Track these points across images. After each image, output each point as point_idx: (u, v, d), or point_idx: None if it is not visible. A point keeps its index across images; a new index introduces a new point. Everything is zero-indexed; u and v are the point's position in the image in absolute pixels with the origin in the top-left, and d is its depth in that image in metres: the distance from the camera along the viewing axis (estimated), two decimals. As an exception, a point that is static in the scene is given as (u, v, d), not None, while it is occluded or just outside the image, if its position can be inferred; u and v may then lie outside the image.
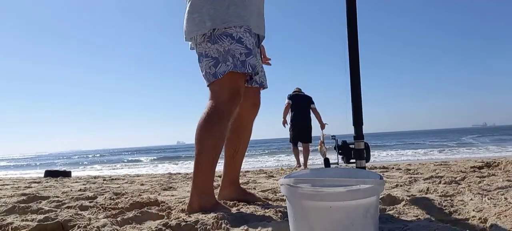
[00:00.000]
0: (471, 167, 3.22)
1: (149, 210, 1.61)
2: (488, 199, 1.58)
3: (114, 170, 14.68)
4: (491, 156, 9.35)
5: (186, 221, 1.33)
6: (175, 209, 1.72)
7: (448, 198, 1.72)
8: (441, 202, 1.58)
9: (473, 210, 1.41)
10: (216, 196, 1.98)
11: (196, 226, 1.30)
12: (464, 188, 2.01)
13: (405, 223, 1.28)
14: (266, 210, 1.54)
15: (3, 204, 1.82)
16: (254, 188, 2.54)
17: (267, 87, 1.96)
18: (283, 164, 10.39)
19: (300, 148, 6.58)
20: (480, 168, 3.21)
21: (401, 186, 2.29)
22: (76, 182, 4.05)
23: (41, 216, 1.50)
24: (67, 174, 5.66)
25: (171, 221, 1.35)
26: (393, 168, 3.93)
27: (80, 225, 1.32)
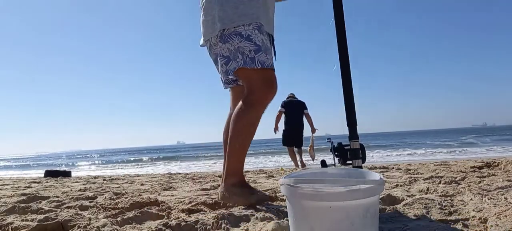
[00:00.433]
0: (471, 167, 3.22)
1: (149, 210, 1.61)
2: (488, 199, 1.58)
3: (114, 170, 14.68)
4: (491, 156, 9.35)
5: (186, 221, 1.33)
6: (175, 209, 1.72)
7: (448, 198, 1.72)
8: (441, 202, 1.58)
9: (473, 210, 1.41)
10: (218, 194, 2.00)
11: (196, 226, 1.30)
12: (464, 188, 2.01)
13: (405, 223, 1.28)
14: (266, 210, 1.54)
15: (3, 204, 1.82)
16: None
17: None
18: (283, 164, 10.38)
19: (295, 149, 6.96)
20: (480, 168, 3.21)
21: (401, 186, 2.29)
22: (76, 182, 4.05)
23: (41, 216, 1.50)
24: (67, 174, 5.66)
25: (171, 221, 1.35)
26: (393, 168, 3.92)
27: (80, 225, 1.32)
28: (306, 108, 6.84)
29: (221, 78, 1.90)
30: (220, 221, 1.32)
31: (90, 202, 2.01)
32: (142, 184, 3.36)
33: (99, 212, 1.67)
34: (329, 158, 1.77)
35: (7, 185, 3.78)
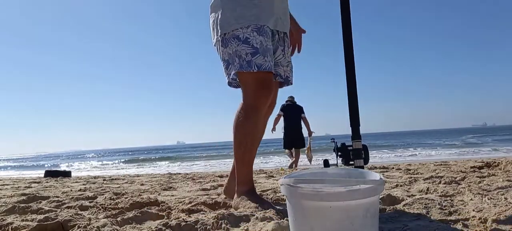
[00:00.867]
0: (471, 167, 3.21)
1: (149, 210, 1.60)
2: (488, 199, 1.58)
3: (114, 170, 14.68)
4: (491, 156, 9.35)
5: (186, 221, 1.33)
6: (175, 209, 1.72)
7: (448, 198, 1.72)
8: (441, 202, 1.58)
9: (473, 210, 1.41)
10: (223, 190, 2.00)
11: (196, 226, 1.30)
12: (464, 188, 2.00)
13: (405, 223, 1.28)
14: (266, 210, 1.54)
15: (3, 204, 1.82)
16: (254, 188, 2.54)
17: (292, 84, 1.94)
18: (283, 164, 10.38)
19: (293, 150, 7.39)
20: (480, 168, 3.21)
21: (401, 186, 2.29)
22: (76, 182, 4.05)
23: (41, 216, 1.50)
24: (67, 174, 5.66)
25: (171, 221, 1.35)
26: (393, 168, 3.92)
27: (80, 225, 1.32)
28: (303, 113, 7.23)
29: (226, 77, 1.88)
30: (220, 221, 1.32)
31: (90, 202, 2.01)
32: (142, 184, 3.36)
33: (99, 212, 1.67)
34: (331, 158, 1.77)
35: (7, 185, 3.78)
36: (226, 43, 1.72)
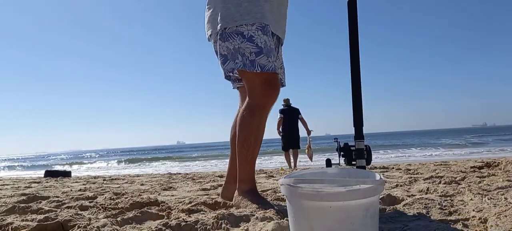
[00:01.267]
0: (471, 167, 3.21)
1: (149, 210, 1.60)
2: (488, 199, 1.58)
3: (114, 170, 14.68)
4: (491, 156, 9.34)
5: (186, 221, 1.33)
6: (175, 209, 1.72)
7: (448, 198, 1.72)
8: (441, 202, 1.58)
9: (473, 210, 1.41)
10: (221, 191, 2.00)
11: (196, 226, 1.30)
12: (464, 188, 2.00)
13: (405, 223, 1.28)
14: (266, 210, 1.54)
15: (3, 204, 1.82)
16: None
17: (285, 86, 1.94)
18: (283, 164, 10.38)
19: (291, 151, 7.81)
20: (480, 168, 3.21)
21: (401, 186, 2.29)
22: (76, 182, 4.05)
23: (41, 216, 1.50)
24: (67, 174, 5.66)
25: (171, 221, 1.35)
26: (393, 168, 3.92)
27: (80, 225, 1.32)
28: (300, 114, 7.63)
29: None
30: (220, 221, 1.32)
31: (90, 202, 2.01)
32: (142, 184, 3.36)
33: (99, 212, 1.67)
34: (332, 157, 1.77)
35: (7, 185, 3.78)
36: (226, 37, 1.67)
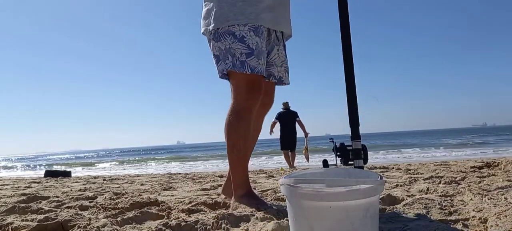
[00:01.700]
0: (471, 167, 3.21)
1: (149, 210, 1.60)
2: (488, 199, 1.58)
3: (114, 170, 14.68)
4: (491, 156, 9.35)
5: (186, 221, 1.33)
6: (175, 209, 1.71)
7: (448, 198, 1.72)
8: (441, 202, 1.58)
9: (473, 210, 1.41)
10: (222, 188, 1.99)
11: (196, 226, 1.30)
12: (464, 188, 2.00)
13: (405, 223, 1.28)
14: (266, 210, 1.54)
15: (3, 204, 1.82)
16: (254, 188, 2.54)
17: (288, 84, 1.89)
18: (283, 164, 10.38)
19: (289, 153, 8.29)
20: (480, 168, 3.21)
21: (401, 186, 2.29)
22: (76, 182, 4.05)
23: (41, 216, 1.50)
24: (67, 174, 5.66)
25: (171, 221, 1.35)
26: (393, 168, 3.92)
27: (80, 225, 1.32)
28: (298, 117, 8.00)
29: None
30: (220, 221, 1.32)
31: (90, 202, 2.01)
32: (142, 184, 3.36)
33: (99, 212, 1.67)
34: (330, 158, 1.77)
35: (7, 185, 3.78)
36: (219, 37, 1.66)
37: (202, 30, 1.80)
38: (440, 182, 2.33)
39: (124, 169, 14.66)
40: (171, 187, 2.95)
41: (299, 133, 7.99)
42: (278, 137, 8.02)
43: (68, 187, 3.32)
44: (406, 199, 1.69)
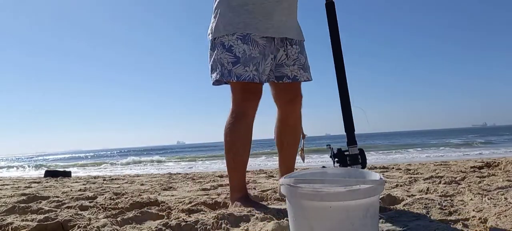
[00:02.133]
0: (471, 167, 3.22)
1: (149, 210, 1.61)
2: (488, 199, 1.58)
3: (114, 170, 14.68)
4: (491, 156, 9.35)
5: (186, 221, 1.33)
6: (175, 209, 1.72)
7: (448, 198, 1.72)
8: (441, 202, 1.58)
9: (473, 210, 1.41)
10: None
11: (196, 226, 1.30)
12: (464, 188, 2.01)
13: (405, 223, 1.28)
14: (266, 210, 1.54)
15: (3, 204, 1.82)
16: (254, 188, 2.55)
17: (306, 80, 1.86)
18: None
19: None
20: (480, 168, 3.21)
21: (401, 186, 2.29)
22: (76, 182, 4.05)
23: (41, 216, 1.50)
24: (67, 174, 5.65)
25: (171, 221, 1.35)
26: (393, 168, 3.92)
27: (80, 225, 1.32)
28: None
29: None
30: (220, 221, 1.32)
31: (90, 202, 2.01)
32: (142, 184, 3.36)
33: (99, 212, 1.67)
34: (329, 164, 1.76)
35: (7, 185, 3.78)
36: (214, 47, 1.73)
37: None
38: (440, 182, 2.33)
39: (124, 169, 14.66)
40: (171, 187, 2.95)
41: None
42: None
43: (68, 187, 3.32)
44: (406, 199, 1.69)
